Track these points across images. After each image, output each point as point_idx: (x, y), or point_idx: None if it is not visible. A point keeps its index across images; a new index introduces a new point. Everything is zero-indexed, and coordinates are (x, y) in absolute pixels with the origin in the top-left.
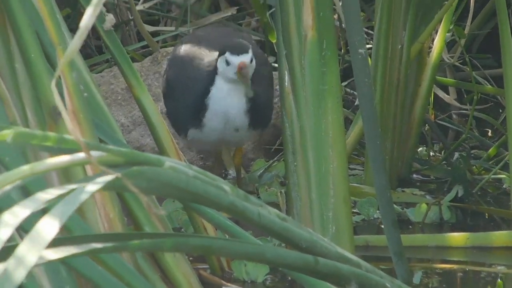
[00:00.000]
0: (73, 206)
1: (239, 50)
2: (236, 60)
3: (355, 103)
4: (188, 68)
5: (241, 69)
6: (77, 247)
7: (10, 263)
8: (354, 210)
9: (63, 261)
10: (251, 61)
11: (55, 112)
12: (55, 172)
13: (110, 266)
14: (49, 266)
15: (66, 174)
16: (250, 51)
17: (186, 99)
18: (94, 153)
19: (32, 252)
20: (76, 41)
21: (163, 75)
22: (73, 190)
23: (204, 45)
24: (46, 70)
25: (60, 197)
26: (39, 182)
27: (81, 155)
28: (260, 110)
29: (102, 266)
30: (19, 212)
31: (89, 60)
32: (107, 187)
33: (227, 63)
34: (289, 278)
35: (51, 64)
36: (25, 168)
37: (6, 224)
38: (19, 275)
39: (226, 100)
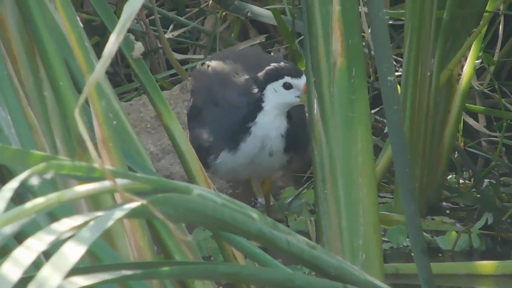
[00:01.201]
0: (99, 231)
1: (299, 73)
2: (300, 82)
3: (385, 131)
4: (224, 90)
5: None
6: (108, 273)
7: (31, 285)
8: (384, 238)
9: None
10: None
11: (85, 142)
12: (83, 200)
13: None
14: None
15: (95, 203)
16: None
17: (223, 122)
18: (121, 181)
19: (55, 275)
20: (100, 68)
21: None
22: (98, 216)
23: (238, 65)
24: (75, 98)
25: (86, 223)
26: (67, 210)
27: (108, 183)
28: (297, 135)
29: None
30: (45, 238)
31: (118, 88)
32: (133, 213)
33: (288, 87)
34: None
35: (80, 92)
36: (53, 196)
37: (30, 249)
38: None
39: (269, 126)
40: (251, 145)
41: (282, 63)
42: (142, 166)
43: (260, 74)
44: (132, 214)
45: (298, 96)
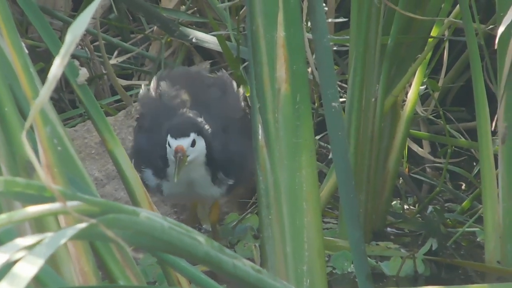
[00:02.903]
0: (50, 250)
1: (178, 133)
2: (174, 143)
3: (329, 157)
4: (157, 128)
5: (176, 153)
6: None
7: None
8: (329, 264)
9: None
10: (193, 144)
11: (30, 167)
12: (28, 224)
13: None
14: None
15: (39, 226)
16: (192, 134)
17: (158, 154)
18: (71, 203)
19: None
20: (45, 91)
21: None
22: (50, 236)
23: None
24: (20, 124)
25: (38, 243)
26: (11, 234)
27: (57, 204)
28: (231, 164)
29: None
30: None
31: (63, 114)
32: (83, 234)
33: (168, 144)
34: None
35: (25, 118)
36: (3, 217)
37: None
38: None
39: (186, 176)
40: (177, 187)
41: (183, 118)
42: (86, 191)
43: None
44: (82, 234)
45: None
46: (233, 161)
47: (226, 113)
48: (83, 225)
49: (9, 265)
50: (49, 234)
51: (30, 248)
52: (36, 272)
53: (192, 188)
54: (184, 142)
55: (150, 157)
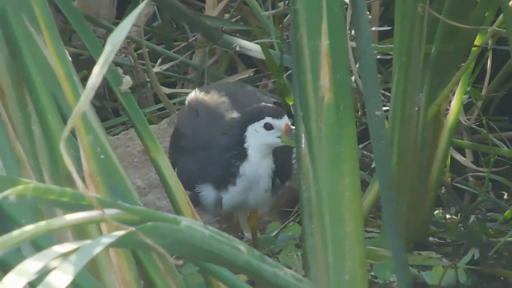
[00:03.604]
0: (86, 258)
1: (280, 113)
2: (281, 123)
3: (372, 166)
4: (211, 129)
5: (289, 131)
6: None
7: None
8: (371, 273)
9: None
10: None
11: (72, 176)
12: (70, 232)
13: None
14: None
15: (81, 235)
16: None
17: (211, 162)
18: (110, 211)
19: None
20: (84, 100)
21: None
22: (85, 244)
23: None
24: (62, 132)
25: (74, 251)
26: (52, 242)
27: (96, 212)
28: (282, 172)
29: None
30: (33, 265)
31: (106, 122)
32: (121, 242)
33: (269, 127)
34: None
35: None
36: (42, 224)
37: (20, 275)
38: None
39: (256, 167)
40: (240, 187)
41: (263, 104)
42: (129, 200)
43: (241, 115)
44: (120, 242)
45: (279, 137)
46: (288, 167)
47: None
48: (121, 233)
49: (45, 273)
50: (86, 242)
51: (66, 256)
52: (70, 280)
53: (248, 196)
54: (287, 121)
55: (207, 171)
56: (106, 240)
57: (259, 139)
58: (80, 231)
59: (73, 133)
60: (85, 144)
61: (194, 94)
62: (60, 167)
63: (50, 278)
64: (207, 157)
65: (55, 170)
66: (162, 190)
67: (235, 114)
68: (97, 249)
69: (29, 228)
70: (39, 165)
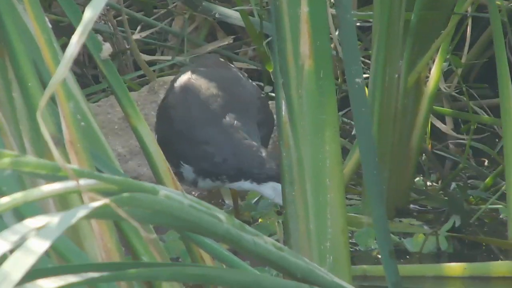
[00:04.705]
0: (61, 228)
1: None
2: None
3: (352, 133)
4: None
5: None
6: (75, 276)
7: None
8: (352, 241)
9: None
10: None
11: (53, 142)
12: (52, 201)
13: None
14: None
15: (63, 204)
16: None
17: (198, 160)
18: (87, 181)
19: (17, 269)
20: (63, 67)
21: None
22: (60, 216)
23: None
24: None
25: (50, 223)
26: (36, 210)
27: (72, 183)
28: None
29: None
30: (9, 236)
31: (86, 89)
32: (97, 213)
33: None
34: None
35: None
36: (19, 195)
37: None
38: None
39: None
40: (217, 184)
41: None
42: (110, 167)
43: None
44: (96, 213)
45: None
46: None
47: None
48: (96, 204)
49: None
50: (58, 215)
51: (38, 229)
52: (43, 251)
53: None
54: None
55: (192, 161)
56: (81, 211)
57: (272, 195)
58: (62, 201)
59: (54, 100)
60: (66, 112)
61: (185, 78)
62: (41, 134)
63: (28, 243)
64: (194, 151)
65: (36, 137)
66: (143, 157)
67: (226, 111)
68: (72, 220)
69: (6, 199)
70: (20, 132)
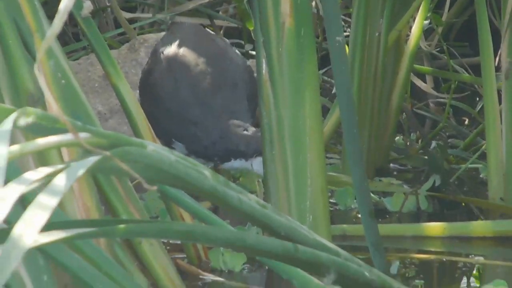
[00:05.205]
0: (71, 180)
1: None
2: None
3: (333, 91)
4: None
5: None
6: (63, 231)
7: (6, 245)
8: (332, 200)
9: (41, 249)
10: None
11: (33, 100)
12: (31, 159)
13: (88, 255)
14: (26, 254)
15: (42, 161)
16: None
17: (189, 140)
18: (82, 135)
19: (28, 233)
20: (56, 25)
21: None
22: (62, 169)
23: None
24: (23, 57)
25: (50, 176)
26: (13, 169)
27: (68, 136)
28: None
29: (79, 255)
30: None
31: (66, 47)
32: (96, 167)
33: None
34: (266, 268)
35: (29, 51)
36: (15, 148)
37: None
38: (16, 256)
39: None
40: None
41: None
42: (90, 125)
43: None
44: (95, 167)
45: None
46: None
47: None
48: (96, 158)
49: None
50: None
51: (49, 177)
52: (54, 205)
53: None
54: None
55: (183, 139)
56: (82, 165)
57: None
58: (42, 158)
59: (34, 57)
60: (46, 69)
61: (172, 52)
62: (21, 91)
63: (34, 205)
64: (184, 131)
65: (16, 95)
66: (123, 116)
67: (215, 90)
68: (78, 173)
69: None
70: (0, 90)
